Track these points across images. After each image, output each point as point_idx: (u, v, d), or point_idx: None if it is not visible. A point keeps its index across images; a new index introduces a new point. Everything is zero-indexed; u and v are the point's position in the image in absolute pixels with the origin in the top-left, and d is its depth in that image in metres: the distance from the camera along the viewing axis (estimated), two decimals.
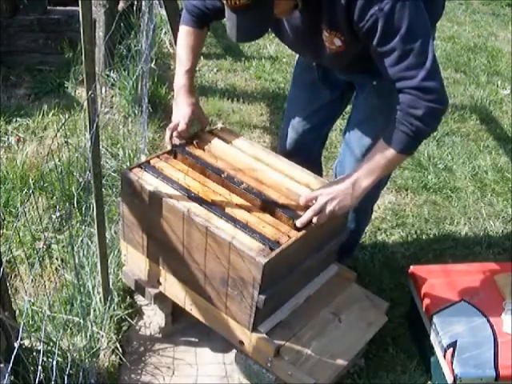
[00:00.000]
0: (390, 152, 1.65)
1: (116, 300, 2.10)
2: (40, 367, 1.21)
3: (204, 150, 1.98)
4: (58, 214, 2.44)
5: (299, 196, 1.79)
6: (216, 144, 2.01)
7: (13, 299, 1.69)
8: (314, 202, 1.72)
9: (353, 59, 1.76)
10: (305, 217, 1.70)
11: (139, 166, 1.89)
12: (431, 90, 1.57)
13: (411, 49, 1.54)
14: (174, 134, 1.93)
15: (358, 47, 1.66)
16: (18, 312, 1.76)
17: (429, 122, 1.62)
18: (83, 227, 2.19)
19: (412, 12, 1.52)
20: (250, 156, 1.99)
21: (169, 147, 1.95)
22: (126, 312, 2.12)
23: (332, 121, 2.21)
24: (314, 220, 1.70)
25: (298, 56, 2.12)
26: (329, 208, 1.69)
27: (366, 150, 1.92)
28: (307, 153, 2.17)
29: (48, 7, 3.70)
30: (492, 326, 1.95)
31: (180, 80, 1.94)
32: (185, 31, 1.93)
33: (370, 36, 1.54)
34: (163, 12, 4.02)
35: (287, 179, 1.88)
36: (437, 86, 1.58)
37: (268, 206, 1.78)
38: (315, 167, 2.14)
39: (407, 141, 1.63)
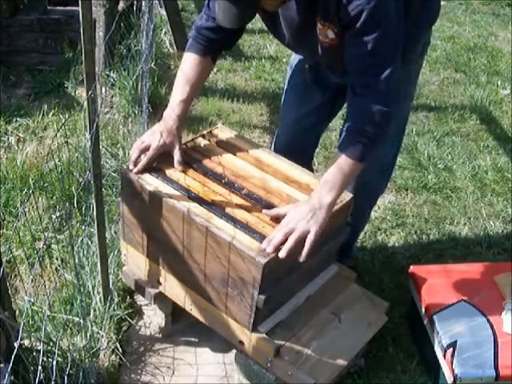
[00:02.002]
0: (349, 162, 1.64)
1: (116, 300, 2.10)
2: (40, 367, 1.21)
3: (204, 155, 1.98)
4: (57, 213, 2.44)
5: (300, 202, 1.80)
6: (216, 149, 2.01)
7: (13, 299, 1.69)
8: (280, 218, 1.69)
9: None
10: (276, 239, 1.61)
11: None
12: (389, 91, 1.60)
13: (384, 47, 1.57)
14: (140, 162, 1.82)
15: None
16: (18, 312, 1.76)
17: (384, 126, 1.64)
18: (83, 227, 2.19)
19: (393, 15, 1.56)
20: (250, 158, 1.99)
21: (131, 166, 1.82)
22: (126, 312, 2.11)
23: (324, 123, 2.21)
24: (290, 243, 1.60)
25: (291, 58, 2.13)
26: (302, 224, 1.62)
27: None
28: (299, 154, 2.16)
29: (48, 7, 3.70)
30: (492, 326, 1.95)
31: (171, 110, 1.86)
32: (187, 58, 1.86)
33: (351, 25, 1.56)
34: (163, 12, 4.02)
35: (287, 185, 1.88)
36: (394, 88, 1.61)
37: None
38: (307, 168, 2.14)
39: (365, 149, 1.63)
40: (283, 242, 1.61)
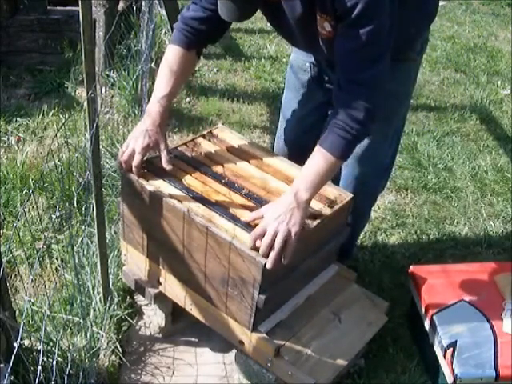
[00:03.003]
0: (330, 159, 1.62)
1: (116, 300, 2.10)
2: (40, 367, 1.21)
3: (204, 155, 1.98)
4: (57, 213, 2.43)
5: None
6: (216, 149, 2.01)
7: (13, 299, 1.69)
8: (257, 221, 1.65)
9: None
10: (261, 251, 1.59)
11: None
12: (375, 88, 1.59)
13: (375, 42, 1.56)
14: (134, 168, 1.79)
15: None
16: (18, 312, 1.76)
17: (368, 124, 1.62)
18: (83, 227, 2.19)
19: (387, 11, 1.55)
20: (250, 158, 1.99)
21: (137, 175, 1.80)
22: (126, 312, 2.11)
23: (326, 122, 2.21)
24: (275, 253, 1.58)
25: (291, 57, 2.13)
26: (283, 228, 1.58)
27: (364, 149, 1.93)
28: (301, 154, 2.16)
29: (48, 7, 3.70)
30: (492, 326, 1.95)
31: (152, 106, 1.78)
32: (171, 50, 1.80)
33: (345, 16, 1.54)
34: (163, 12, 4.02)
35: (287, 185, 1.88)
36: (380, 86, 1.60)
37: None
38: None
39: (347, 146, 1.62)
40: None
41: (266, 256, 1.59)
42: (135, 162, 1.77)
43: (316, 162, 1.65)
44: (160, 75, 1.81)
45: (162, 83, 1.79)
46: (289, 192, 1.66)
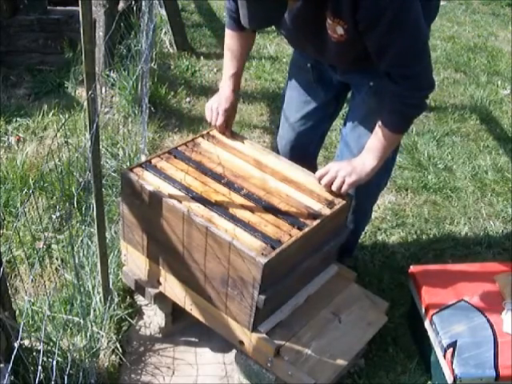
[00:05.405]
0: (389, 135, 1.77)
1: (116, 300, 2.10)
2: (40, 367, 1.21)
3: (204, 155, 1.98)
4: (57, 214, 2.44)
5: (299, 202, 1.81)
6: (216, 150, 2.01)
7: (13, 299, 1.69)
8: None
9: (353, 55, 1.77)
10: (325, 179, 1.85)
11: (140, 165, 1.90)
12: (426, 77, 1.70)
13: (414, 41, 1.62)
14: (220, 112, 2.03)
15: (359, 40, 1.66)
16: (18, 312, 1.76)
17: (421, 106, 1.78)
18: (83, 227, 2.20)
19: (416, 9, 1.59)
20: (250, 158, 1.99)
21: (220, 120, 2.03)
22: (126, 312, 2.12)
23: (328, 122, 2.21)
24: (334, 187, 1.83)
25: (292, 56, 2.13)
26: (342, 173, 1.81)
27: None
28: (303, 154, 2.17)
29: (48, 7, 3.70)
30: (492, 326, 1.95)
31: (225, 84, 2.04)
32: (226, 34, 1.99)
33: (375, 25, 1.57)
34: (163, 12, 4.02)
35: (286, 185, 1.89)
36: (430, 71, 1.71)
37: (268, 212, 1.78)
38: (310, 169, 2.14)
39: (403, 123, 1.80)
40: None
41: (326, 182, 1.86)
42: (219, 122, 2.03)
43: (378, 138, 1.80)
44: (225, 58, 2.03)
45: (227, 65, 2.02)
46: (354, 159, 1.87)
